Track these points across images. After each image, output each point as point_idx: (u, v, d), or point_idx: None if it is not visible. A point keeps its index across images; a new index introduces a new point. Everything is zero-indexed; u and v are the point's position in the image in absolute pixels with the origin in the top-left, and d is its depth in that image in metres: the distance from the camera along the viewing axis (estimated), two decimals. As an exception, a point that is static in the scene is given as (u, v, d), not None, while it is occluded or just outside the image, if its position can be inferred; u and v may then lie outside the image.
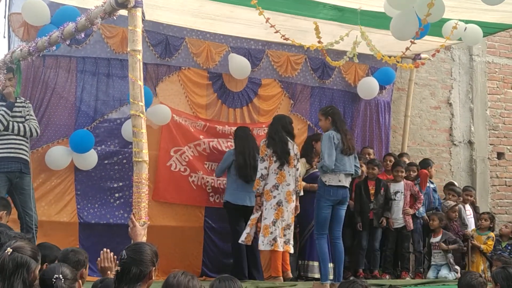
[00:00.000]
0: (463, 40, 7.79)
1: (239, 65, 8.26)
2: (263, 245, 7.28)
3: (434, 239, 8.42)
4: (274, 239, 7.26)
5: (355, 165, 7.05)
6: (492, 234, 8.75)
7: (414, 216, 8.63)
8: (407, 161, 9.08)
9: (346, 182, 6.95)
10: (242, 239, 7.38)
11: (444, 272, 8.24)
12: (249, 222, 7.44)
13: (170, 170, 7.97)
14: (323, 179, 6.88)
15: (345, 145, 6.90)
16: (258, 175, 7.33)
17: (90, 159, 7.42)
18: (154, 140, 7.69)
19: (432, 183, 9.21)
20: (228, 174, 7.89)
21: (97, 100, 7.68)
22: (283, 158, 7.33)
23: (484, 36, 8.74)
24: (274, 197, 7.30)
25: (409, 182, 8.66)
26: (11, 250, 3.38)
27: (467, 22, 7.36)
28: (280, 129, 7.47)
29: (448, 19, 7.06)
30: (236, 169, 7.75)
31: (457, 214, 8.85)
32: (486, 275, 8.49)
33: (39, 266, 3.55)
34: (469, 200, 9.24)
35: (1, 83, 6.66)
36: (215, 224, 8.24)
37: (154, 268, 3.68)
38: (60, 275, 3.50)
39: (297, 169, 7.52)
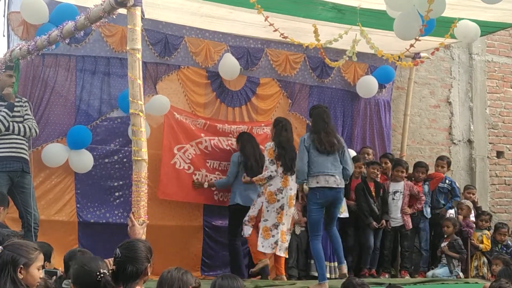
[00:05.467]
0: (455, 38, 7.71)
1: (229, 66, 8.21)
2: (263, 247, 7.27)
3: (444, 243, 8.40)
4: (276, 243, 7.27)
5: (343, 166, 6.90)
6: (487, 232, 8.75)
7: (422, 216, 8.64)
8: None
9: (330, 183, 6.75)
10: (247, 233, 7.41)
11: (439, 271, 8.26)
12: (247, 218, 7.45)
13: (175, 168, 7.95)
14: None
15: (319, 144, 6.76)
16: (266, 175, 7.28)
17: (85, 160, 7.36)
18: (155, 139, 7.70)
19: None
20: (236, 176, 7.88)
21: (96, 99, 7.68)
22: (289, 165, 7.29)
23: (483, 35, 8.75)
24: (278, 200, 7.29)
25: (409, 182, 8.67)
26: (1, 248, 3.40)
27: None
28: (287, 135, 7.43)
29: (451, 18, 7.04)
30: (246, 172, 7.72)
31: (466, 211, 8.80)
32: (481, 271, 8.51)
33: (38, 263, 3.53)
34: (471, 199, 9.23)
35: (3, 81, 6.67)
36: (214, 222, 8.25)
37: (149, 264, 3.69)
38: (105, 270, 3.51)
39: None
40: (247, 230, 7.45)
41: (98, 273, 3.47)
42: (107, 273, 3.51)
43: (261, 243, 7.28)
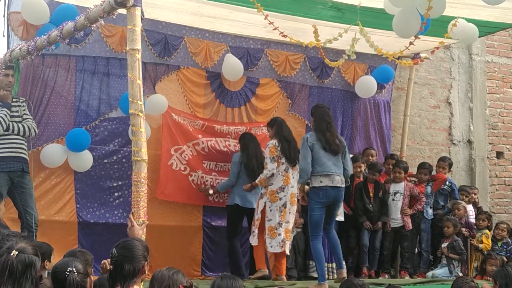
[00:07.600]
0: (452, 38, 7.68)
1: (232, 67, 8.22)
2: (272, 247, 7.29)
3: (444, 244, 8.40)
4: (283, 241, 7.28)
5: (344, 167, 6.91)
6: (487, 232, 8.74)
7: (423, 217, 8.64)
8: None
9: (334, 182, 6.78)
10: (255, 243, 7.39)
11: (439, 271, 8.26)
12: (256, 224, 7.42)
13: (171, 169, 7.97)
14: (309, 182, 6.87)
15: (325, 144, 6.76)
16: (268, 174, 7.28)
17: (85, 159, 7.36)
18: (154, 139, 7.70)
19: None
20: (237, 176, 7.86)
21: (95, 99, 7.68)
22: (295, 160, 7.30)
23: (483, 36, 8.75)
24: (280, 198, 7.29)
25: (410, 183, 8.67)
26: (16, 252, 3.38)
27: (467, 20, 7.34)
28: (288, 129, 7.48)
29: (450, 17, 7.04)
30: (247, 172, 7.71)
31: (462, 211, 8.77)
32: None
33: (40, 263, 3.56)
34: (473, 199, 9.21)
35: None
36: (214, 223, 8.26)
37: (146, 262, 3.70)
38: (74, 269, 3.51)
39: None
40: (255, 240, 7.41)
41: (66, 272, 3.49)
42: (76, 273, 3.51)
43: (269, 243, 7.29)
